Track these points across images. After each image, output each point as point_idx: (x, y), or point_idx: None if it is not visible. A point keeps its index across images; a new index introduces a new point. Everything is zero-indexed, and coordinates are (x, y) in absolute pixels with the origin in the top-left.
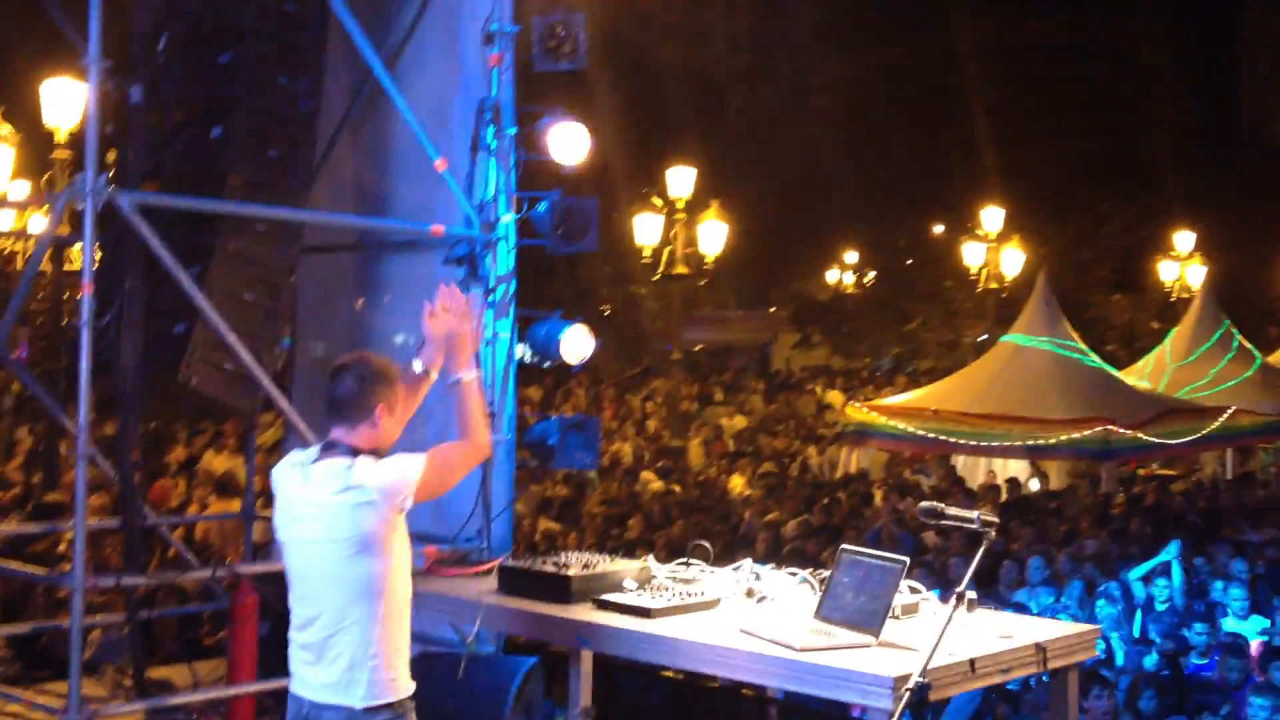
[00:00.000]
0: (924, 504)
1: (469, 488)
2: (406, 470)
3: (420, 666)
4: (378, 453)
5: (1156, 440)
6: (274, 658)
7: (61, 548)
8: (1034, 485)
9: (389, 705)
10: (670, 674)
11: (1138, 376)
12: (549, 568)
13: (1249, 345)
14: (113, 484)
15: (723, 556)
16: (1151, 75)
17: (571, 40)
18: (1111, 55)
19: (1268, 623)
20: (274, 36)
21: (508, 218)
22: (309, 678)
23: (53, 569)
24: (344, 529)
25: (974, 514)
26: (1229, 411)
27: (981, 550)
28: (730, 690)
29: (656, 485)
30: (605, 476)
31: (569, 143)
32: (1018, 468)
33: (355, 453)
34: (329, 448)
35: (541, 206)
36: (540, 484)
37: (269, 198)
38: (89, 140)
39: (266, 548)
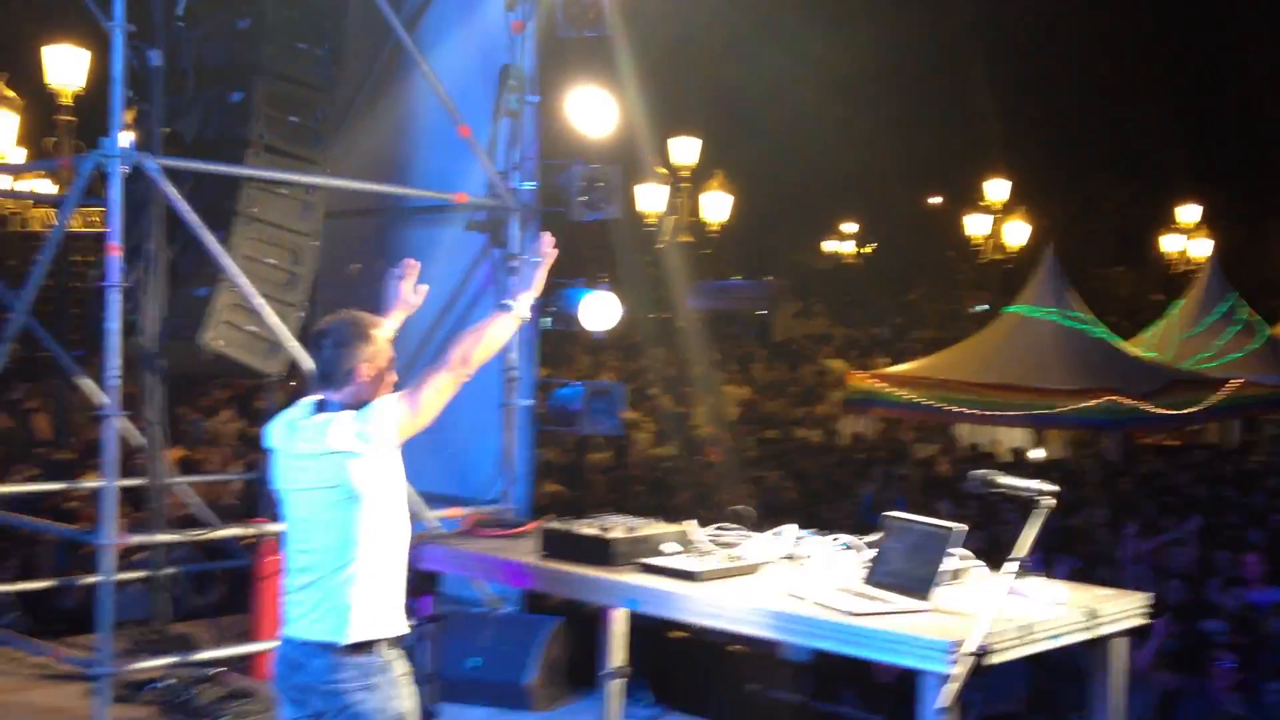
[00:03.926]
0: (975, 472)
1: (490, 451)
2: (384, 415)
3: (448, 626)
4: (363, 405)
5: (1161, 411)
6: None
7: (71, 504)
8: (1037, 455)
9: (375, 642)
10: (678, 633)
11: (1145, 347)
12: (591, 531)
13: (1255, 317)
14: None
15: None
16: (1155, 47)
17: (595, 8)
18: (1113, 28)
19: None
20: (295, 2)
21: (530, 185)
22: (300, 619)
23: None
24: (331, 479)
25: (1028, 483)
26: (1235, 383)
27: (1040, 519)
28: (740, 649)
29: (658, 451)
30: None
31: (596, 112)
32: (1020, 438)
33: (342, 409)
34: (320, 406)
35: (565, 174)
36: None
37: (289, 163)
38: (114, 104)
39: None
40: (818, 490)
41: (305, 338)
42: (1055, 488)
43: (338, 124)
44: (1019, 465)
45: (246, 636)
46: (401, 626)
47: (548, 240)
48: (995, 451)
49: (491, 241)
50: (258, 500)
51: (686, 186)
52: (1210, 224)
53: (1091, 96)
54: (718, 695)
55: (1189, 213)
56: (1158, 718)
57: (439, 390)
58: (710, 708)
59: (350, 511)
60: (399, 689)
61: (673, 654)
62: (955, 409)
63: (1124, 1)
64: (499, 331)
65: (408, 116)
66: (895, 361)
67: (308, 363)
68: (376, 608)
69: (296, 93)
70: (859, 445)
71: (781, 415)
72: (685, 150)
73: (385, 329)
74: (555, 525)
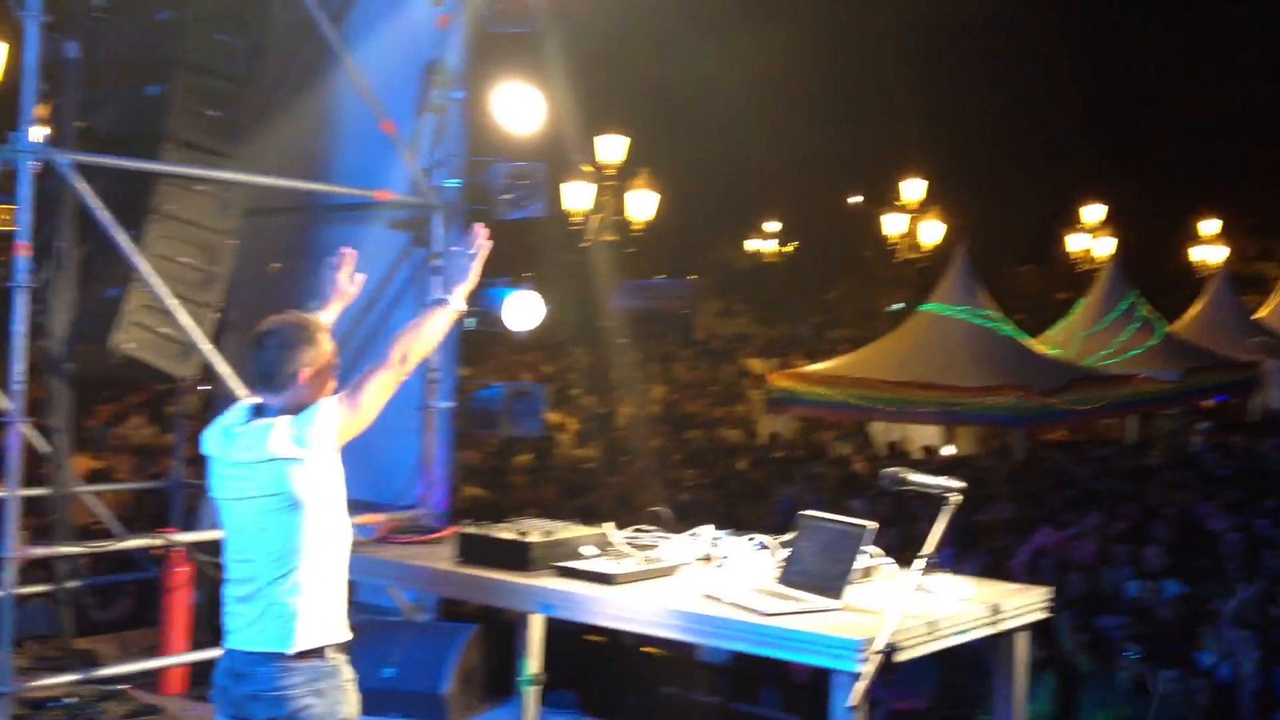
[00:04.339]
0: (886, 470)
1: (406, 454)
2: (324, 419)
3: (360, 635)
4: (303, 409)
5: (1065, 407)
6: (206, 627)
7: None
8: (948, 452)
9: (320, 650)
10: (594, 638)
11: (1049, 344)
12: (508, 535)
13: (1153, 315)
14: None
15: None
16: (1067, 50)
17: (524, 2)
18: (1027, 30)
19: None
20: None
21: (454, 183)
22: (241, 630)
23: None
24: (272, 487)
25: (936, 480)
26: (1134, 379)
27: (948, 516)
28: (657, 652)
29: (580, 452)
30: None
31: (522, 109)
32: (933, 435)
33: (280, 413)
34: (258, 411)
35: (489, 171)
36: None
37: (208, 159)
38: (25, 97)
39: (194, 516)
40: (736, 490)
41: (219, 339)
42: (962, 484)
43: (258, 119)
44: (929, 462)
45: (154, 651)
46: (346, 632)
47: (481, 232)
48: (908, 449)
49: (414, 240)
50: (167, 510)
51: (612, 185)
52: (1114, 223)
53: (1006, 95)
54: (635, 699)
55: (1094, 212)
56: (1060, 705)
57: (379, 390)
58: (628, 712)
59: (292, 519)
60: (345, 694)
61: (590, 659)
62: (871, 407)
63: (1040, 6)
64: (436, 327)
65: (330, 111)
66: (814, 360)
67: (221, 366)
68: (322, 614)
69: (216, 86)
70: (777, 444)
71: (702, 415)
72: (612, 148)
73: (328, 329)
74: (471, 530)
